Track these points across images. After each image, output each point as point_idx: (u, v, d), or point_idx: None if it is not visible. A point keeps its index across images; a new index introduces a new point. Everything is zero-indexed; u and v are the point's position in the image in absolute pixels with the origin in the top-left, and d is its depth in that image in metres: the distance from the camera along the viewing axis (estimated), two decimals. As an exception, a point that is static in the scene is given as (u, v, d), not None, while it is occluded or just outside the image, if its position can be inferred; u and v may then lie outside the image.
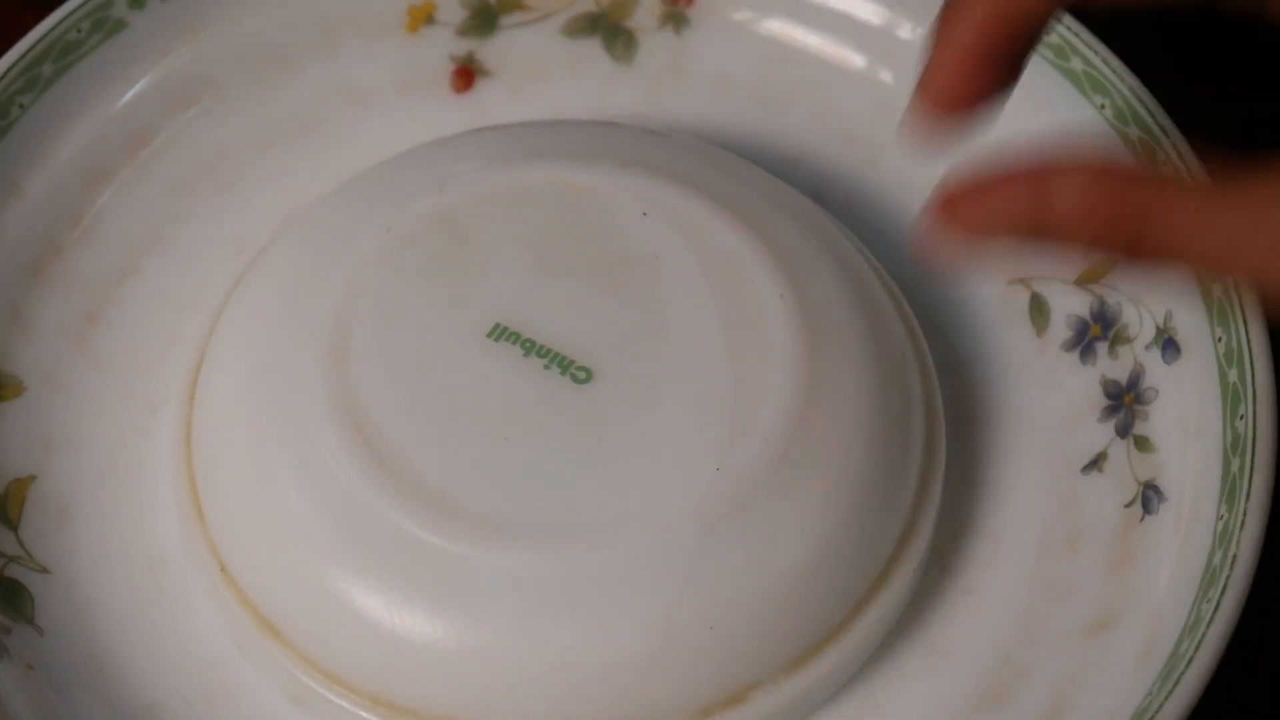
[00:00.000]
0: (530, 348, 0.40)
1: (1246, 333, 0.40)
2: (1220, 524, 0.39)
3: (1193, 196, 0.34)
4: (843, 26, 0.48)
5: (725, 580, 0.38)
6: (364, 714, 0.39)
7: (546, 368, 0.40)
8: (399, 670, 0.38)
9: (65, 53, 0.45)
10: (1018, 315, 0.45)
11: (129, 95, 0.47)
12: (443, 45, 0.49)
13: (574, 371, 0.40)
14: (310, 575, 0.39)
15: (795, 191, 0.45)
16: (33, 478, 0.43)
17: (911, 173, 0.47)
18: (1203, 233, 0.33)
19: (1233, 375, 0.40)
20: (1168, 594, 0.40)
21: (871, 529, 0.40)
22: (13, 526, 0.42)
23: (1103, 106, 0.44)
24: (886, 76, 0.48)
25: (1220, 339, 0.41)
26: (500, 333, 0.40)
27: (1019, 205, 0.35)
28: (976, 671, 0.41)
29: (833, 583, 0.39)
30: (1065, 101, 0.45)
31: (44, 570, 0.42)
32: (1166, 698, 0.37)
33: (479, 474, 0.39)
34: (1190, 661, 0.37)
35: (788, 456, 0.39)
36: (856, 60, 0.48)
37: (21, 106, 0.45)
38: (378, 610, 0.38)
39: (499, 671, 0.38)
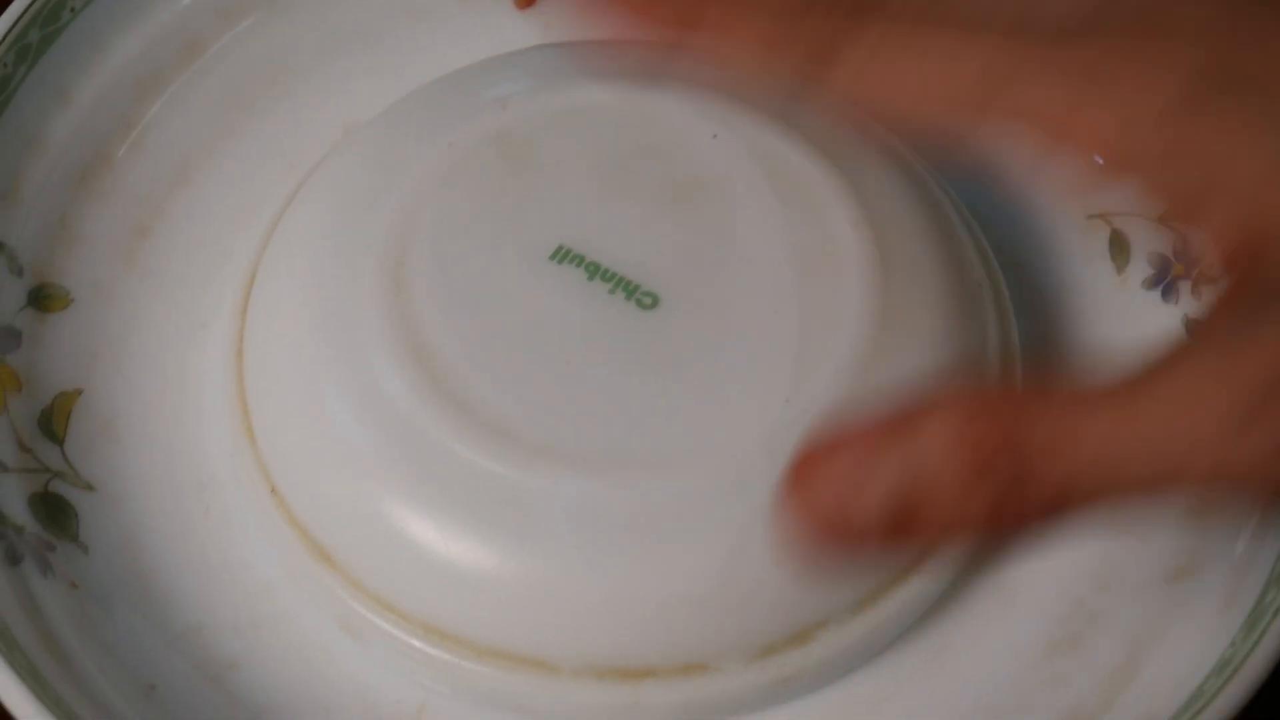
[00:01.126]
0: (595, 271, 0.39)
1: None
2: (1309, 469, 0.38)
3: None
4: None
5: None
6: (415, 642, 0.38)
7: (611, 292, 0.39)
8: (452, 598, 0.37)
9: (118, -44, 0.44)
10: (1097, 251, 0.44)
11: (184, 2, 0.46)
12: (506, -42, 0.48)
13: (639, 297, 0.39)
14: (363, 499, 0.38)
15: (871, 120, 0.43)
16: (79, 391, 0.42)
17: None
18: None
19: (1324, 315, 0.39)
20: (1251, 543, 0.38)
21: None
22: (58, 441, 0.41)
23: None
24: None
25: (1312, 279, 0.40)
26: (563, 255, 0.39)
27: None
28: (1048, 616, 0.40)
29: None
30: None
31: (89, 487, 0.41)
32: (1253, 648, 0.36)
33: (538, 400, 0.37)
34: (1278, 612, 0.36)
35: (858, 390, 0.38)
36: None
37: (73, 10, 0.44)
38: (431, 537, 0.37)
39: (554, 603, 0.37)
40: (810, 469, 0.32)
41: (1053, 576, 0.40)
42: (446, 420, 0.37)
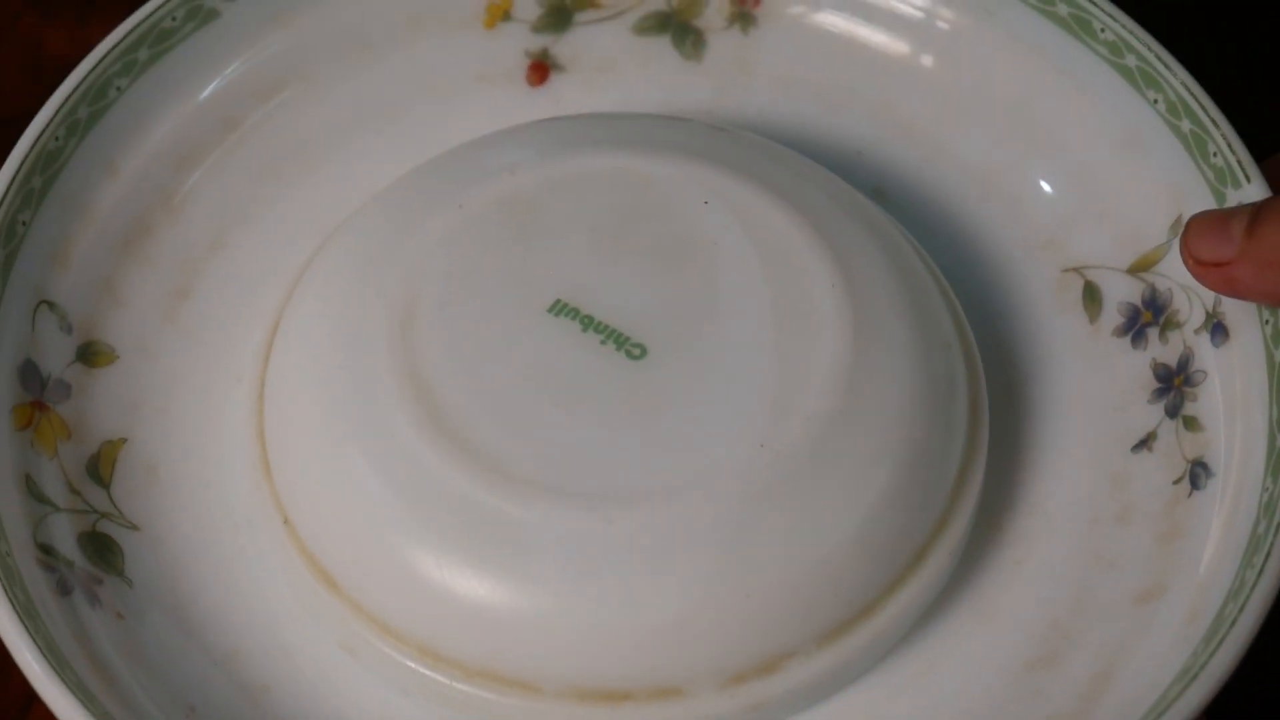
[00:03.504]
0: (589, 324, 0.42)
1: (1293, 315, 0.42)
2: (1265, 495, 0.40)
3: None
4: (905, 25, 0.50)
5: (764, 552, 0.39)
6: (410, 663, 0.40)
7: (603, 343, 0.41)
8: (446, 623, 0.40)
9: (160, 39, 0.47)
10: (1071, 303, 0.47)
11: (219, 82, 0.49)
12: (519, 40, 0.51)
13: (629, 348, 0.41)
14: (366, 529, 0.41)
15: (851, 188, 0.46)
16: (123, 440, 0.45)
17: (969, 165, 0.49)
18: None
19: (1279, 356, 0.42)
20: (1213, 563, 0.41)
21: (908, 513, 0.41)
22: (104, 485, 0.44)
23: (1155, 101, 0.45)
24: (950, 73, 0.50)
25: (1268, 321, 0.42)
26: (560, 308, 0.42)
27: None
28: (1026, 636, 0.42)
29: (868, 562, 0.40)
30: (1120, 96, 0.46)
31: (133, 527, 0.44)
32: (1210, 657, 0.38)
33: (533, 440, 0.40)
34: (1234, 623, 0.38)
35: (830, 437, 0.40)
36: (924, 59, 0.50)
37: (119, 89, 0.47)
38: (429, 565, 0.40)
39: (540, 628, 0.39)
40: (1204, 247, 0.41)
41: (1031, 599, 0.43)
42: (446, 456, 0.40)
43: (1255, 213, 0.40)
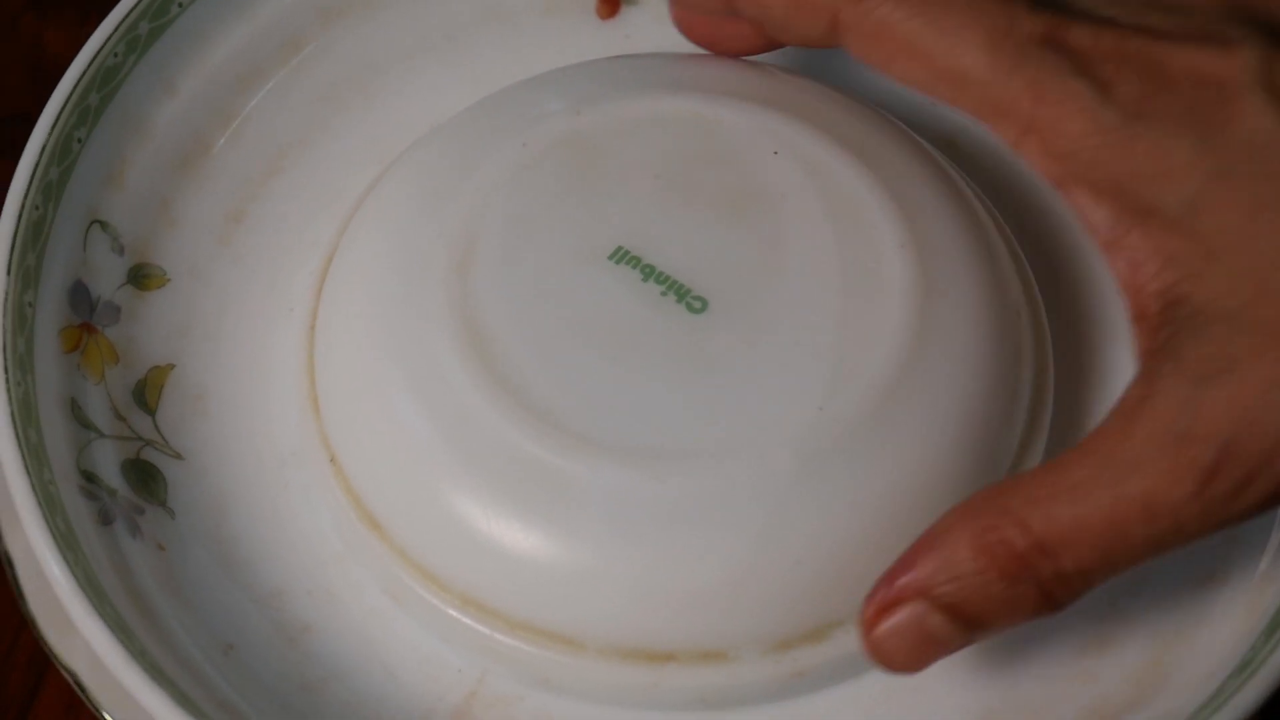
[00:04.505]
0: (649, 273, 0.41)
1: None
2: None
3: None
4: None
5: (815, 519, 0.39)
6: (452, 612, 0.40)
7: (663, 294, 0.41)
8: (488, 573, 0.39)
9: (225, -43, 0.47)
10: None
11: (283, 2, 0.48)
12: (591, -31, 0.50)
13: (689, 300, 0.41)
14: (414, 474, 0.40)
15: (925, 142, 0.45)
16: (171, 366, 0.45)
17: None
18: None
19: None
20: (1276, 552, 0.40)
21: (966, 484, 0.40)
22: (150, 412, 0.44)
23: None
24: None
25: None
26: (621, 256, 0.41)
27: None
28: (1081, 617, 0.41)
29: (921, 533, 0.39)
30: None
31: (178, 456, 0.43)
32: (1271, 651, 0.37)
33: (586, 392, 0.39)
34: (1295, 619, 0.37)
35: (889, 404, 0.39)
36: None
37: (180, 5, 0.46)
38: (475, 514, 0.39)
39: (584, 584, 0.39)
40: (875, 625, 0.36)
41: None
42: (495, 404, 0.39)
43: None
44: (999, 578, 0.35)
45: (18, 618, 0.42)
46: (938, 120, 0.48)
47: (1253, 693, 0.37)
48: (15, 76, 0.48)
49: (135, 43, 0.45)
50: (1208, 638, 0.40)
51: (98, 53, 0.44)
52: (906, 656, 0.36)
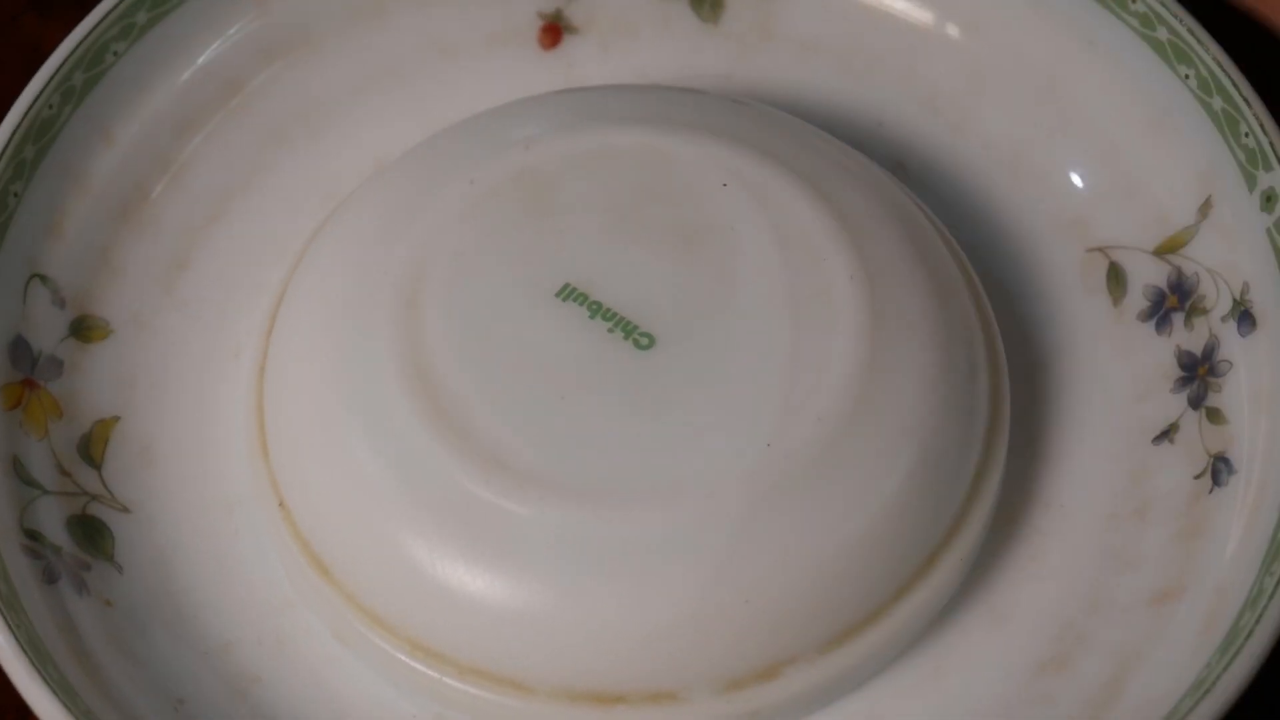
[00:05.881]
0: (596, 310, 0.40)
1: (1323, 307, 0.40)
2: (1288, 499, 0.39)
3: None
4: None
5: (765, 557, 0.38)
6: (402, 657, 0.39)
7: (610, 331, 0.40)
8: (439, 618, 0.39)
9: (159, 1, 0.46)
10: (1095, 284, 0.45)
11: (221, 43, 0.47)
12: (531, 1, 0.49)
13: (637, 337, 0.40)
14: (362, 517, 0.40)
15: (874, 165, 0.45)
16: (116, 419, 0.44)
17: (993, 139, 0.47)
18: None
19: (1307, 350, 0.40)
20: (1232, 567, 0.40)
21: (919, 518, 0.40)
22: (95, 465, 0.43)
23: (1187, 77, 0.44)
24: (976, 43, 0.48)
25: (1297, 313, 0.41)
26: (569, 293, 0.41)
27: None
28: (1039, 638, 0.41)
29: (875, 568, 0.39)
30: (1150, 71, 0.45)
31: (124, 509, 0.43)
32: (1224, 670, 0.37)
33: (533, 431, 0.39)
34: (1250, 634, 0.37)
35: (840, 439, 0.39)
36: (950, 28, 0.48)
37: (115, 54, 0.46)
38: (422, 557, 0.39)
39: (533, 627, 0.38)
40: None
41: (1044, 597, 0.41)
42: (442, 446, 0.39)
43: None
44: None
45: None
46: (887, 143, 0.48)
47: (1208, 710, 0.36)
48: (14, 77, 0.48)
49: (70, 93, 0.45)
50: (1164, 656, 0.39)
51: (32, 104, 0.44)
52: None
